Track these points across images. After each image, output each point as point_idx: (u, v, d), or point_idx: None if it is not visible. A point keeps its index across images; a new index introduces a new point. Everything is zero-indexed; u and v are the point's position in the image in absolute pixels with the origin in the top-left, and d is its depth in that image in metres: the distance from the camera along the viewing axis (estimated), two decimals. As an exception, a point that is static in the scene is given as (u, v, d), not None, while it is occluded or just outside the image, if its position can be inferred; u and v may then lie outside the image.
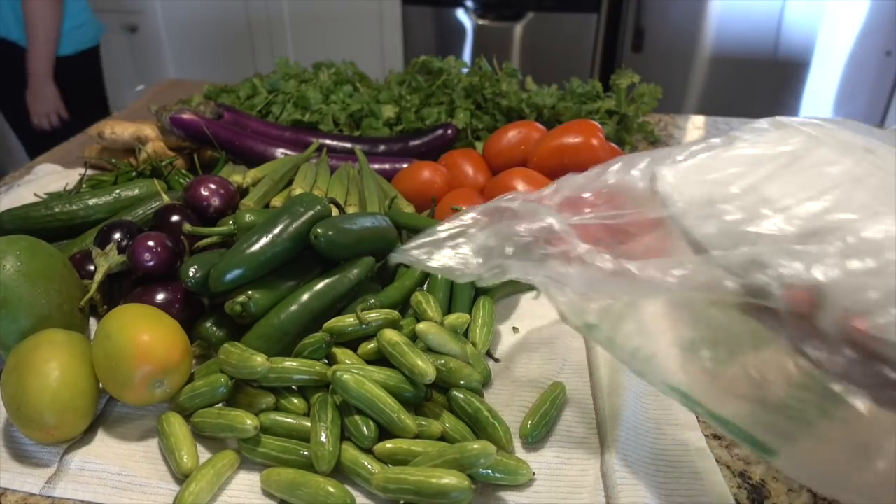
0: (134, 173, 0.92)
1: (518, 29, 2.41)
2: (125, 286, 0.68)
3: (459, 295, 0.68)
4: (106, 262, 0.66)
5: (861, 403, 0.35)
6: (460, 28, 2.48)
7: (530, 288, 0.77)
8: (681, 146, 0.47)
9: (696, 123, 1.30)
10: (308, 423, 0.54)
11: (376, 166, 0.93)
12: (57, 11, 1.74)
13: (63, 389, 0.53)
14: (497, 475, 0.50)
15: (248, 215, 0.68)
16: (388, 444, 0.52)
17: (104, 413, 0.59)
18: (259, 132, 0.98)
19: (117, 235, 0.70)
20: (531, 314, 0.72)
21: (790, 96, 2.25)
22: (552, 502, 0.50)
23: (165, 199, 0.76)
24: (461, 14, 2.45)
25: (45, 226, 0.78)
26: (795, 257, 0.36)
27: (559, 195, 0.48)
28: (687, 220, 0.40)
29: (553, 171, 0.78)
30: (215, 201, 0.74)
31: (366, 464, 0.51)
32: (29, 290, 0.59)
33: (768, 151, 0.44)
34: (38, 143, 1.86)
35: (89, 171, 0.97)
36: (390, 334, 0.56)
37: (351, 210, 0.79)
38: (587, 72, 2.42)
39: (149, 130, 0.99)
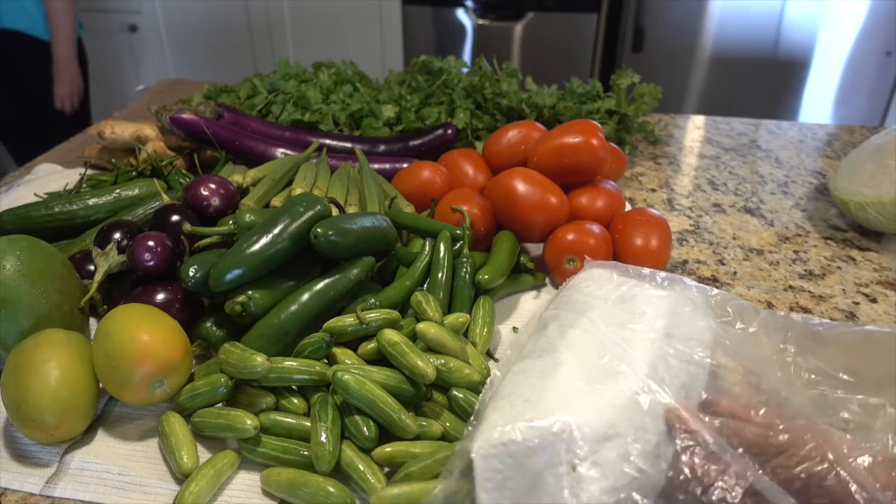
0: (134, 173, 0.92)
1: (518, 29, 2.41)
2: (125, 286, 0.68)
3: (459, 295, 0.68)
4: (106, 262, 0.66)
5: None
6: (460, 28, 2.48)
7: (530, 288, 0.77)
8: None
9: (696, 123, 1.30)
10: (308, 423, 0.54)
11: (376, 166, 0.93)
12: None
13: (63, 389, 0.53)
14: (497, 475, 0.50)
15: (248, 215, 0.68)
16: (388, 448, 0.51)
17: (104, 413, 0.59)
18: (259, 132, 0.98)
19: (117, 235, 0.70)
20: (531, 314, 0.72)
21: (790, 96, 2.25)
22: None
23: (165, 199, 0.76)
24: (461, 14, 2.45)
25: (45, 226, 0.78)
26: None
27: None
28: None
29: (553, 171, 0.78)
30: (215, 201, 0.74)
31: (365, 473, 0.50)
32: (29, 290, 0.60)
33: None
34: (24, 143, 1.91)
35: (89, 171, 0.97)
36: (390, 334, 0.56)
37: (351, 210, 0.79)
38: (587, 72, 2.42)
39: (149, 130, 0.99)
